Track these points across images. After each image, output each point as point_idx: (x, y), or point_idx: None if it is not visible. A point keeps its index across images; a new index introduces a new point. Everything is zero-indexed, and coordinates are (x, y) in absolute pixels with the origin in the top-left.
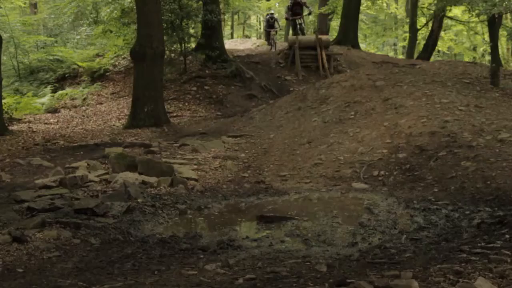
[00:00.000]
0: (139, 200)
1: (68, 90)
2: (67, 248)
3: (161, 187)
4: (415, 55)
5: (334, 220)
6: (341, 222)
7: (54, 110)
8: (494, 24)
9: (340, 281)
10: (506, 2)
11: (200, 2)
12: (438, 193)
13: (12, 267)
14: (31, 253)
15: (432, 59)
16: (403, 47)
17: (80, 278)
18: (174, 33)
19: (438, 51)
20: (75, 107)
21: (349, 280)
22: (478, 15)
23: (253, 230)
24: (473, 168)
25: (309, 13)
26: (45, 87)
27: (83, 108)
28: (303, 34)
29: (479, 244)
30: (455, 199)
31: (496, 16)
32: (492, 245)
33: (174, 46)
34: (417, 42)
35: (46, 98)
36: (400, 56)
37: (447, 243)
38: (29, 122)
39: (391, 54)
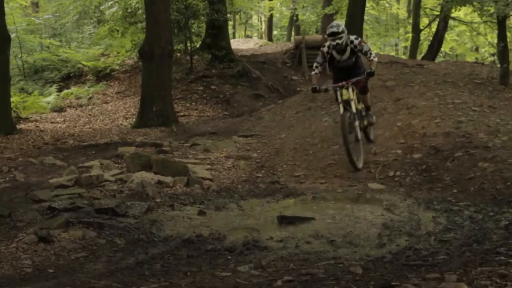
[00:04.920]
0: (157, 200)
1: (73, 89)
2: (93, 249)
3: (177, 186)
4: (417, 56)
5: (356, 221)
6: (363, 223)
7: (60, 109)
8: (504, 25)
9: (384, 284)
10: None
11: (206, 2)
12: (457, 194)
13: (42, 267)
14: (58, 253)
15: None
16: (405, 47)
17: (113, 279)
18: (181, 33)
19: (441, 51)
20: (81, 106)
21: (393, 283)
22: (490, 15)
23: (276, 230)
24: (491, 169)
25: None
26: (50, 86)
27: (89, 107)
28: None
29: None
30: (476, 200)
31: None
32: None
33: (180, 45)
34: (420, 42)
35: (51, 97)
36: (403, 57)
37: (479, 245)
38: (36, 121)
39: (393, 54)
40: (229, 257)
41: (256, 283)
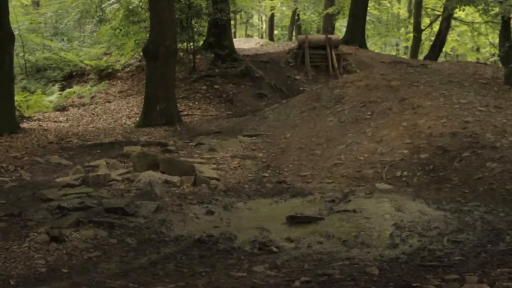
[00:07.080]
0: (165, 199)
1: (75, 88)
2: (105, 248)
3: (184, 186)
4: (418, 56)
5: (367, 221)
6: (374, 223)
7: (62, 108)
8: (509, 25)
9: (404, 285)
10: None
11: (209, 1)
12: (466, 194)
13: (56, 267)
14: (70, 253)
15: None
16: (406, 47)
17: (128, 279)
18: (184, 32)
19: (442, 51)
20: (83, 105)
21: (414, 284)
22: (496, 16)
23: (286, 230)
24: (500, 169)
25: None
26: (53, 85)
27: (92, 106)
28: None
29: None
30: (485, 201)
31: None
32: None
33: (183, 44)
34: (421, 42)
35: (54, 96)
36: (404, 56)
37: (494, 246)
38: (39, 120)
39: (393, 54)
40: (242, 257)
41: (274, 283)
